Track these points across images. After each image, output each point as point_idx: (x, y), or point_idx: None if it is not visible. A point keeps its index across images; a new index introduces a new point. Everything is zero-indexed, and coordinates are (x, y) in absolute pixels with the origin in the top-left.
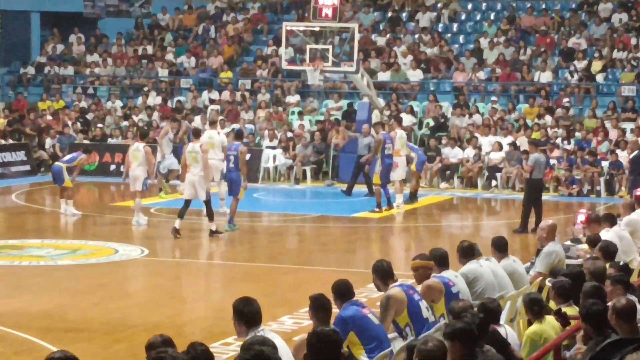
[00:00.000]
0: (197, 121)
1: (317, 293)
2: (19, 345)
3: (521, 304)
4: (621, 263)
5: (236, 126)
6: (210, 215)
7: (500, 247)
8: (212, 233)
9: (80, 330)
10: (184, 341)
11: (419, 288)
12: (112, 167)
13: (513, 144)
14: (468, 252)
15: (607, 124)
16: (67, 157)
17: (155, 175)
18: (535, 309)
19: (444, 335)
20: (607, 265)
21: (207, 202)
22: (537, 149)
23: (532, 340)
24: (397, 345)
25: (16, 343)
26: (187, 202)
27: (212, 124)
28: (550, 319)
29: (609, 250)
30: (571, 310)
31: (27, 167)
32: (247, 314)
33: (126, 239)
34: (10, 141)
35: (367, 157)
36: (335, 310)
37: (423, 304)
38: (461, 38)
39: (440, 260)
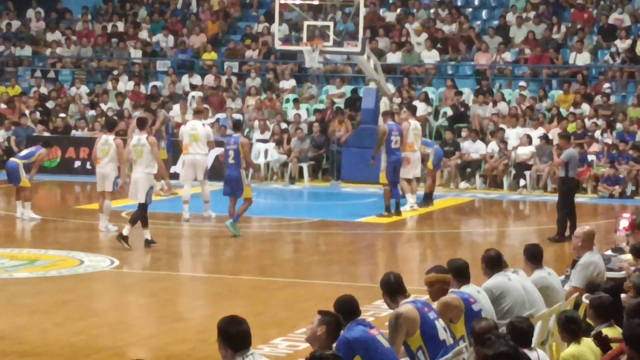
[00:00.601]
0: (175, 110)
1: (326, 310)
2: None
3: (554, 324)
4: None
5: (222, 116)
6: (145, 221)
7: (534, 257)
8: (147, 242)
9: (39, 354)
10: None
11: (435, 305)
12: (77, 163)
13: (545, 137)
14: (495, 262)
15: None
16: (24, 152)
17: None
18: (572, 327)
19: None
20: None
21: (144, 206)
22: (570, 143)
23: None
24: None
25: None
26: (138, 205)
27: (198, 113)
28: (588, 341)
29: None
30: (612, 332)
31: None
32: (234, 335)
33: (93, 248)
34: None
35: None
36: None
37: (440, 324)
38: (484, 13)
39: (459, 273)
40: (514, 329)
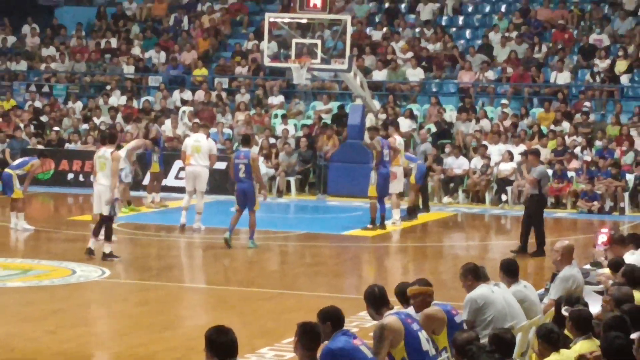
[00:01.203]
0: (167, 124)
1: (307, 321)
2: None
3: (533, 336)
4: None
5: (212, 131)
6: (109, 235)
7: (510, 272)
8: (106, 256)
9: None
10: None
11: (418, 317)
12: (70, 176)
13: (526, 154)
14: (476, 274)
15: (633, 132)
16: (18, 161)
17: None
18: (552, 337)
19: None
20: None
21: (109, 219)
22: (540, 160)
23: None
24: None
25: None
26: (100, 218)
27: (203, 127)
28: (567, 352)
29: (634, 276)
30: (590, 344)
31: None
32: (220, 345)
33: (85, 259)
34: None
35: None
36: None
37: (423, 335)
38: (468, 33)
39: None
40: (498, 339)
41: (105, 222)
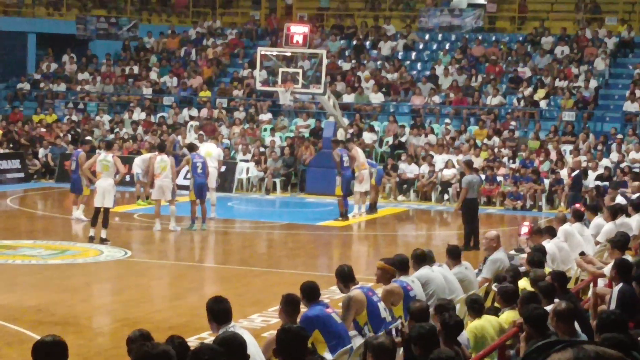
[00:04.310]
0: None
1: (289, 292)
2: (11, 336)
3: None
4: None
5: (226, 140)
6: (106, 223)
7: (454, 255)
8: (103, 240)
9: (68, 324)
10: (162, 335)
11: (378, 290)
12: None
13: (462, 162)
14: (421, 258)
15: (549, 146)
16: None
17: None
18: (475, 307)
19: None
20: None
21: (108, 210)
22: (471, 170)
23: (474, 334)
24: (357, 342)
25: (8, 335)
26: (98, 210)
27: (212, 139)
28: (489, 317)
29: (533, 261)
30: (514, 314)
31: (22, 175)
32: (217, 311)
33: (111, 242)
34: (7, 150)
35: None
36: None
37: (381, 305)
38: (419, 65)
39: (402, 265)
40: (442, 308)
41: (107, 213)
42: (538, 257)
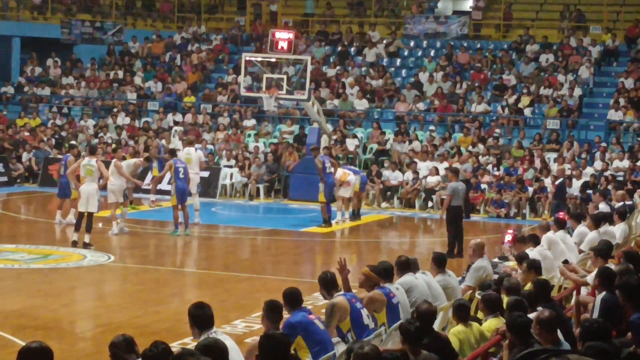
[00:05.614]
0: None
1: (272, 299)
2: None
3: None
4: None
5: (198, 146)
6: (89, 228)
7: (439, 263)
8: (86, 245)
9: (50, 328)
10: (145, 340)
11: (361, 296)
12: None
13: (448, 169)
14: (404, 265)
15: (533, 154)
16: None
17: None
18: (462, 313)
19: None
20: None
21: (92, 215)
22: (457, 177)
23: (457, 338)
24: (340, 348)
25: None
26: (82, 215)
27: (189, 143)
28: (474, 324)
29: (534, 266)
30: (497, 321)
31: (5, 179)
32: (199, 317)
33: (94, 246)
34: None
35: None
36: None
37: (364, 312)
38: (403, 72)
39: (386, 272)
40: (419, 312)
41: (91, 218)
42: (538, 263)
